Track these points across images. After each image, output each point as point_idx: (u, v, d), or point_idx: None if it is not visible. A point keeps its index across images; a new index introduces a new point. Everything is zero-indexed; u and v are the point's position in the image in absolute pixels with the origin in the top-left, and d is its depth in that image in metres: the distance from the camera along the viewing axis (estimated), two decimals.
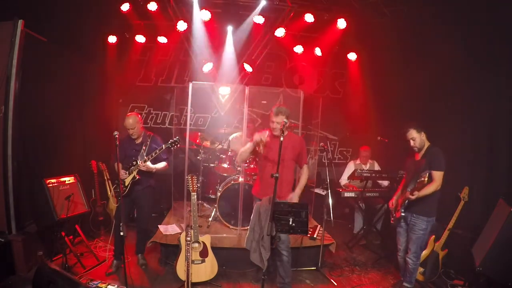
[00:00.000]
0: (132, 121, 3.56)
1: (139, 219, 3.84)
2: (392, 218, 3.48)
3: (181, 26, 5.01)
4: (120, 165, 3.59)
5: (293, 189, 3.33)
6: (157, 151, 3.49)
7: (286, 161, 3.22)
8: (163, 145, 3.46)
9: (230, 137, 5.16)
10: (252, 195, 3.53)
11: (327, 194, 4.01)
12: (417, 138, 3.22)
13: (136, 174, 3.55)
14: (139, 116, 3.69)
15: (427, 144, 3.26)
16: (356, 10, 4.98)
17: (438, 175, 3.10)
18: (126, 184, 3.57)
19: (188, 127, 4.61)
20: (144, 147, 3.65)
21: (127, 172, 3.56)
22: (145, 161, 3.50)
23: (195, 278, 3.29)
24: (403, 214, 3.28)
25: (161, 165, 3.65)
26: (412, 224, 3.26)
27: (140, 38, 5.35)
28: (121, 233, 2.90)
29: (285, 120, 2.93)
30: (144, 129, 3.75)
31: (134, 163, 3.54)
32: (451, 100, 4.26)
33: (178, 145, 3.48)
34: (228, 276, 3.70)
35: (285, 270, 3.23)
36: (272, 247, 2.88)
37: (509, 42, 3.44)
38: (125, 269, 2.98)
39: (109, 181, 4.70)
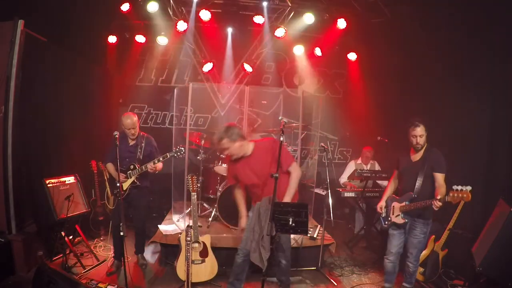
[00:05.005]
0: (131, 121, 3.51)
1: (136, 220, 3.80)
2: (387, 222, 3.24)
3: (181, 26, 5.01)
4: (113, 166, 3.58)
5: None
6: (161, 159, 3.48)
7: (265, 177, 2.85)
8: (168, 154, 3.46)
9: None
10: None
11: (327, 194, 4.01)
12: (424, 136, 2.99)
13: (135, 179, 3.54)
14: (136, 115, 3.64)
15: (426, 143, 3.08)
16: (356, 10, 4.98)
17: (443, 178, 2.95)
18: (125, 189, 3.53)
19: (188, 127, 4.62)
20: (139, 150, 3.59)
21: (126, 176, 3.52)
22: (154, 163, 3.48)
23: (195, 278, 3.29)
24: (406, 220, 3.08)
25: (160, 165, 3.58)
26: (413, 228, 3.10)
27: (140, 38, 5.35)
28: (121, 233, 2.90)
29: (285, 120, 2.90)
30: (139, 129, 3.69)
31: (132, 167, 3.52)
32: (451, 100, 4.26)
33: (184, 155, 3.49)
34: (228, 276, 3.66)
35: (284, 273, 3.20)
36: (271, 246, 2.86)
37: (510, 42, 3.44)
38: (125, 269, 2.98)
39: (109, 181, 4.69)
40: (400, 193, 3.25)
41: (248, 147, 2.86)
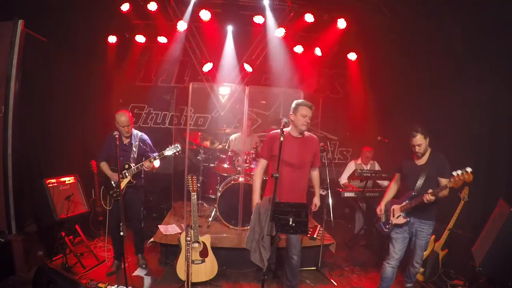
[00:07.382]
0: (125, 118, 3.48)
1: (133, 219, 3.76)
2: (388, 226, 3.17)
3: (181, 26, 5.00)
4: (107, 165, 3.57)
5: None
6: (157, 157, 3.46)
7: (307, 164, 3.20)
8: (164, 152, 3.44)
9: (231, 137, 5.17)
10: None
11: (327, 194, 4.01)
12: (423, 144, 2.96)
13: (131, 178, 3.52)
14: (129, 112, 3.61)
15: (429, 148, 3.06)
16: (356, 10, 4.99)
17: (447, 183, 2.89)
18: (121, 188, 3.50)
19: (188, 127, 4.63)
20: (134, 148, 3.57)
21: (121, 176, 3.50)
22: (151, 161, 3.46)
23: (195, 278, 3.30)
24: (409, 219, 3.04)
25: (157, 163, 3.56)
26: (419, 230, 3.08)
27: (140, 38, 5.35)
28: (121, 233, 2.89)
29: (285, 120, 2.91)
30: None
31: (127, 166, 3.50)
32: (451, 100, 4.26)
33: (180, 151, 3.48)
34: (228, 276, 3.70)
35: (293, 274, 3.20)
36: (276, 247, 2.85)
37: (510, 42, 3.44)
38: (125, 269, 2.98)
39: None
40: (400, 196, 3.21)
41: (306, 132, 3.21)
